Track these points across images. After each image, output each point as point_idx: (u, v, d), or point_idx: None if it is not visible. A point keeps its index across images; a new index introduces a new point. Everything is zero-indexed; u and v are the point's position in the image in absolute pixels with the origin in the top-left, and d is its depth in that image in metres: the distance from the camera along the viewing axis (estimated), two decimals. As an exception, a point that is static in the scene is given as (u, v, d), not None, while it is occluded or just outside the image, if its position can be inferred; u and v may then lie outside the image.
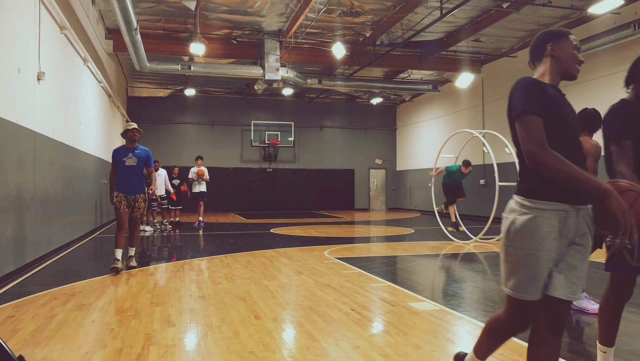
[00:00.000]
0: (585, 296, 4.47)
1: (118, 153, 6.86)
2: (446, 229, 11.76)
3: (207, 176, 13.48)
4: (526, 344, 3.44)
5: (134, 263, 6.92)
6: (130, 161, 6.77)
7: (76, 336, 3.72)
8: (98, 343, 3.57)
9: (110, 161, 6.74)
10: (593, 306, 4.40)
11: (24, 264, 6.45)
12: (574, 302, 4.47)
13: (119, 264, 6.49)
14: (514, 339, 3.60)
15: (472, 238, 10.07)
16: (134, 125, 6.96)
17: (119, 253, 6.60)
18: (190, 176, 13.51)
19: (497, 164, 11.04)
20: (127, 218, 6.69)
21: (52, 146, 7.89)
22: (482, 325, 3.99)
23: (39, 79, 7.13)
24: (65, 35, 8.79)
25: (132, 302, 4.84)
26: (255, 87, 18.72)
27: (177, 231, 12.64)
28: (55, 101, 8.14)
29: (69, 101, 9.25)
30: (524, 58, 14.82)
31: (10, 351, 0.76)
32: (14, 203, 6.05)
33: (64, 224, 8.79)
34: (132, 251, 7.02)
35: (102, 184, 13.20)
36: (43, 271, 6.68)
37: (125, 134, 6.88)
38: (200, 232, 12.41)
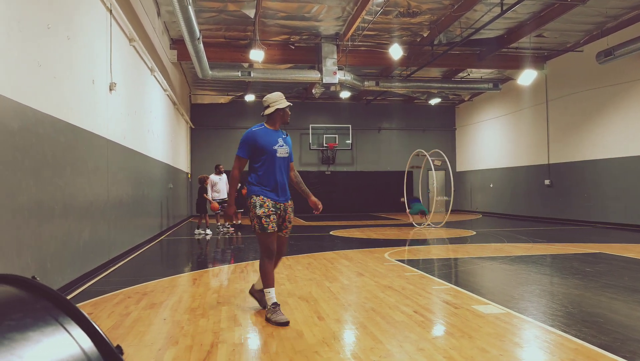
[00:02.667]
0: None
1: (263, 136, 4.41)
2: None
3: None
4: (602, 350, 3.30)
5: (278, 314, 4.18)
6: (283, 150, 4.45)
7: (149, 333, 3.91)
8: (170, 340, 3.73)
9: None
10: None
11: (99, 265, 6.83)
12: None
13: (283, 315, 4.20)
14: (586, 345, 3.46)
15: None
16: None
17: (273, 293, 4.35)
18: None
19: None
20: (275, 240, 4.39)
21: (123, 153, 8.31)
22: (551, 328, 3.87)
23: (110, 90, 7.53)
24: (134, 47, 9.24)
25: (200, 302, 5.02)
26: (313, 91, 18.91)
27: (239, 233, 12.95)
28: (125, 110, 8.57)
29: (138, 110, 9.70)
30: (590, 52, 14.16)
31: (109, 341, 0.83)
32: (90, 207, 6.42)
33: (134, 227, 9.22)
34: (270, 292, 4.37)
35: (168, 188, 13.72)
36: (116, 271, 7.04)
37: (283, 110, 4.51)
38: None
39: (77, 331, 0.79)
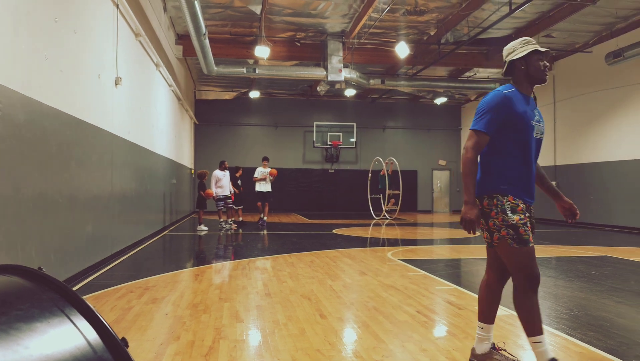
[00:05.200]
0: None
1: (515, 103, 2.84)
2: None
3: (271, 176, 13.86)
4: (607, 354, 3.27)
5: None
6: (540, 128, 2.99)
7: (151, 328, 3.90)
8: (171, 335, 3.73)
9: None
10: None
11: (102, 258, 6.84)
12: None
13: None
14: (592, 348, 3.44)
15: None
16: None
17: (547, 343, 2.88)
18: (256, 175, 13.90)
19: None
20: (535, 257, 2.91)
21: (127, 147, 8.31)
22: (555, 331, 3.84)
23: (116, 84, 7.53)
24: (140, 41, 9.24)
25: (202, 297, 5.02)
26: (318, 88, 18.88)
27: (241, 230, 12.95)
28: (130, 105, 8.57)
29: (143, 105, 9.70)
30: (599, 53, 14.09)
31: (114, 334, 0.82)
32: (94, 201, 6.43)
33: (137, 221, 9.23)
34: (542, 342, 2.80)
35: (172, 184, 13.73)
36: (119, 265, 7.04)
37: (542, 59, 2.90)
38: (264, 232, 12.66)
39: (82, 322, 0.78)
